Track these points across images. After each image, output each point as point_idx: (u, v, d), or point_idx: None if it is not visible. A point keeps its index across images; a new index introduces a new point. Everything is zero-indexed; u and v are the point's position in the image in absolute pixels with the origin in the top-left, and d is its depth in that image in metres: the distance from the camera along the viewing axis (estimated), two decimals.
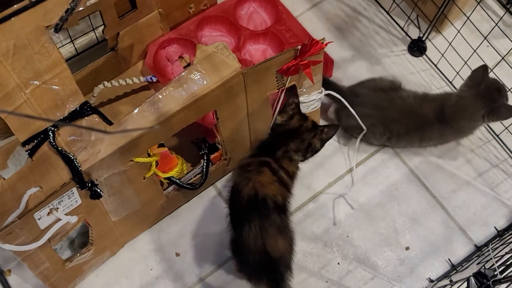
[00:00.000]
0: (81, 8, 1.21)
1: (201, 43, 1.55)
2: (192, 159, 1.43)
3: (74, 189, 1.12)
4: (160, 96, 1.15)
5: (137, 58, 1.53)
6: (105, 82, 1.41)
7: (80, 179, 1.10)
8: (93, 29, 1.54)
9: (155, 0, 1.41)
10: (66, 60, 1.54)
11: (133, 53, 1.51)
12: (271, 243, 1.16)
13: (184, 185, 1.36)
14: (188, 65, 1.52)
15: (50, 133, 1.08)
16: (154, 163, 1.23)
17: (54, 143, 1.08)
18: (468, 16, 1.47)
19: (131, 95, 1.52)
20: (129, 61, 1.53)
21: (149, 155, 1.22)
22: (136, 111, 1.14)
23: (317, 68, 1.29)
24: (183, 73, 1.17)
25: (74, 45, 1.55)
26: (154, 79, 1.45)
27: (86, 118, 1.13)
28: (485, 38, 1.43)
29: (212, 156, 1.39)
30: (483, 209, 1.44)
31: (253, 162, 1.22)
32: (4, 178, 1.08)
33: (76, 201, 1.14)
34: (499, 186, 1.46)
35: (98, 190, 1.14)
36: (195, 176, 1.39)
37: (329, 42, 1.24)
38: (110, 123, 1.17)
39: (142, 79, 1.44)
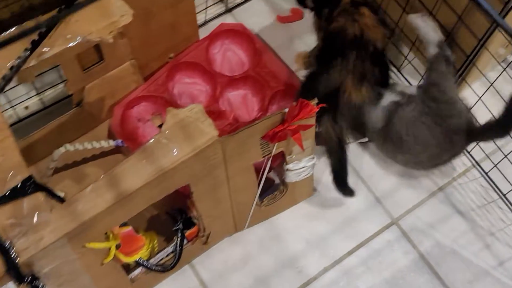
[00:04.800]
0: (32, 64, 1.03)
1: (174, 95, 1.37)
2: (167, 232, 1.24)
3: (10, 284, 0.93)
4: (120, 170, 0.96)
5: (107, 113, 1.35)
6: (67, 145, 1.22)
7: (17, 273, 0.91)
8: (64, 81, 1.36)
9: (126, 50, 1.24)
10: (32, 115, 1.40)
11: (103, 109, 1.33)
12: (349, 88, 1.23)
13: (153, 267, 1.16)
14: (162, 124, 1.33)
15: None
16: (113, 247, 1.03)
17: None
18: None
19: (100, 157, 1.33)
20: (98, 118, 1.35)
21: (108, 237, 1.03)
22: (89, 189, 0.95)
23: (308, 132, 1.11)
24: (148, 143, 0.98)
25: (41, 98, 1.38)
26: (125, 144, 1.27)
27: (28, 197, 0.94)
28: None
29: (187, 232, 1.19)
30: None
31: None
32: None
33: None
34: None
35: (40, 285, 0.95)
36: (167, 256, 1.20)
37: (322, 105, 1.05)
38: (61, 200, 0.98)
39: (111, 143, 1.26)
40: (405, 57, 1.45)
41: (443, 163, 1.29)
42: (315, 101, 1.04)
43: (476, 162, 1.37)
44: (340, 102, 1.25)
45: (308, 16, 1.44)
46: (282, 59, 1.47)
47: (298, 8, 1.55)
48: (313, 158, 1.20)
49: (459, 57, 1.30)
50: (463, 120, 1.22)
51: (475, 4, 0.67)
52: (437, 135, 1.21)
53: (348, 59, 1.22)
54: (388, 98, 1.27)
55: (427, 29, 1.22)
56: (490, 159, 1.33)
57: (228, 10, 1.56)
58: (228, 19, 1.56)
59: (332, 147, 1.27)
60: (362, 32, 1.23)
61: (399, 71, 1.48)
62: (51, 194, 0.98)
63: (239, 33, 1.44)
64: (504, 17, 1.14)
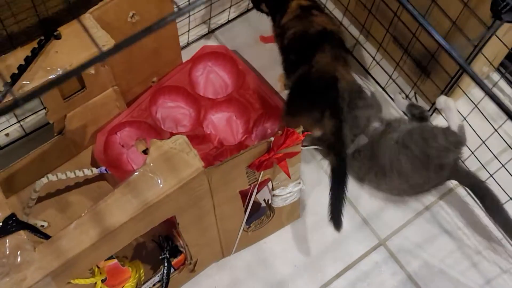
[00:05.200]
0: (12, 97, 1.01)
1: (157, 119, 1.36)
2: (153, 261, 1.23)
3: None
4: (104, 205, 0.95)
5: (90, 140, 1.33)
6: (49, 175, 1.20)
7: None
8: (44, 107, 1.34)
9: (108, 77, 1.22)
10: (13, 142, 1.38)
11: (85, 136, 1.31)
12: (341, 71, 1.24)
13: None
14: (147, 150, 1.32)
15: None
16: (99, 281, 1.02)
17: None
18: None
19: (84, 185, 1.31)
20: (81, 145, 1.33)
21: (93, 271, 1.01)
22: (73, 225, 0.93)
23: (294, 158, 1.10)
24: (132, 176, 0.97)
25: (21, 125, 1.36)
26: (109, 172, 1.25)
27: (11, 235, 0.92)
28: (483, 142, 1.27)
29: (174, 261, 1.18)
30: None
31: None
32: None
33: None
34: None
35: None
36: (154, 285, 1.18)
37: (307, 133, 1.05)
38: (46, 237, 0.97)
39: (94, 171, 1.24)
40: (373, 58, 1.46)
41: (426, 191, 1.31)
42: (301, 129, 1.04)
43: None
44: (339, 93, 1.23)
45: None
46: (266, 80, 1.46)
47: None
48: (299, 183, 1.19)
49: (443, 78, 1.30)
50: (450, 160, 1.25)
51: (443, 49, 0.66)
52: (421, 171, 1.25)
53: (326, 50, 1.24)
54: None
55: (454, 115, 1.26)
56: None
57: (211, 31, 1.55)
58: (211, 40, 1.55)
59: (332, 145, 1.25)
60: (323, 26, 1.27)
61: (367, 71, 1.49)
62: (34, 231, 0.96)
63: (221, 55, 1.43)
64: (485, 44, 1.14)
